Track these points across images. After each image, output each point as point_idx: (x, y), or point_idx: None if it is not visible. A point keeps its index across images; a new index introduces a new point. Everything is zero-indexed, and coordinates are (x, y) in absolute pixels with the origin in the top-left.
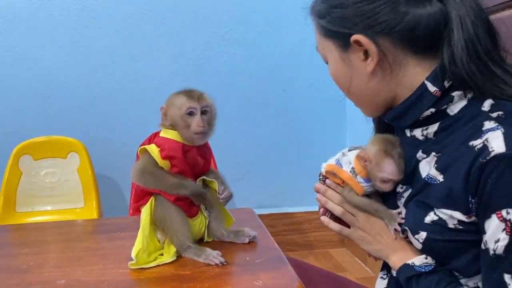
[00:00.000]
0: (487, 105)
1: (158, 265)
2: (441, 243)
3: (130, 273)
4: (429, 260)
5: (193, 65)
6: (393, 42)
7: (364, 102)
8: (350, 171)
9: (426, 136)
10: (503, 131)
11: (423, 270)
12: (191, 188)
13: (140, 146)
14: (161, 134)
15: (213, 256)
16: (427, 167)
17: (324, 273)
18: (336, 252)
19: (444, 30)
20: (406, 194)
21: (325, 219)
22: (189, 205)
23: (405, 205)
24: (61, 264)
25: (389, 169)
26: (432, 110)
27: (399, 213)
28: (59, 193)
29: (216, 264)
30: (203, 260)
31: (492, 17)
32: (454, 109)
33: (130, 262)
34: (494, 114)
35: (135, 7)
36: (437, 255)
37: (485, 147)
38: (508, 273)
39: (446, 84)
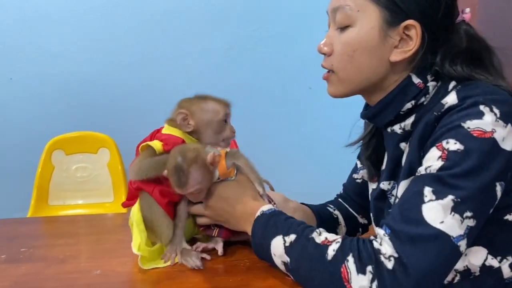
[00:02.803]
0: (451, 85)
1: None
2: None
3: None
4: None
5: (220, 63)
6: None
7: (350, 78)
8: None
9: (404, 129)
10: (456, 90)
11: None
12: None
13: (141, 142)
14: (164, 131)
15: (191, 258)
16: (405, 156)
17: None
18: None
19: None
20: (395, 192)
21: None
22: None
23: None
24: (95, 255)
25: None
26: (412, 102)
27: None
28: (89, 187)
29: (192, 267)
30: (181, 261)
31: None
32: (428, 98)
33: (139, 260)
34: (453, 88)
35: (163, 6)
36: None
37: (440, 105)
38: (429, 186)
39: (429, 78)
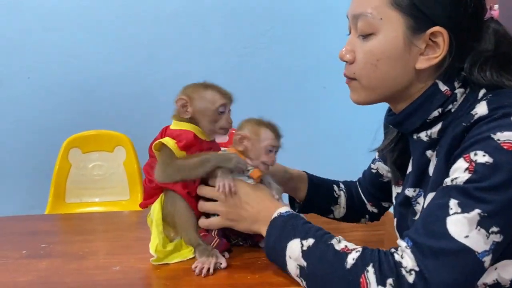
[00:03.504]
0: (481, 93)
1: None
2: None
3: (184, 262)
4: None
5: (235, 62)
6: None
7: (374, 86)
8: None
9: (430, 136)
10: (487, 100)
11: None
12: (213, 158)
13: (153, 141)
14: (173, 127)
15: (208, 262)
16: (432, 165)
17: None
18: None
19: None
20: (421, 200)
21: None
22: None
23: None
24: (114, 252)
25: (269, 135)
26: (439, 110)
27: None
28: (105, 185)
29: (200, 272)
30: (200, 260)
31: None
32: (455, 105)
33: (152, 259)
34: (484, 97)
35: (179, 6)
36: None
37: (470, 116)
38: (455, 199)
39: (456, 84)
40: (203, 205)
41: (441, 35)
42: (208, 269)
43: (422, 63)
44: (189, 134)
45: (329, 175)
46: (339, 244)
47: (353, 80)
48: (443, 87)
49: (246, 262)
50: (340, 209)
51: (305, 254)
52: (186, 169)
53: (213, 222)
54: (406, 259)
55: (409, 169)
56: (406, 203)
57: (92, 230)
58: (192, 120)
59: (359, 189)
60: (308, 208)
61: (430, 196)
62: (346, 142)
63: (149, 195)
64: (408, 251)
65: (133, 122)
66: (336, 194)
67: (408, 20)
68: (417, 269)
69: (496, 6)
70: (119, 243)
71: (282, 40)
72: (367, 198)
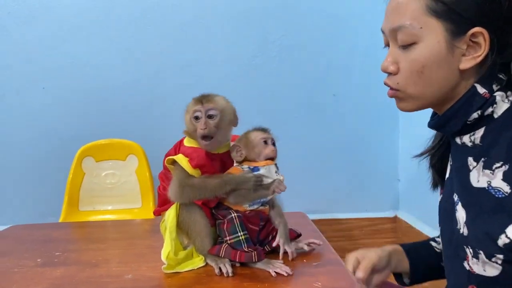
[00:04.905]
0: None
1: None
2: None
3: (195, 270)
4: None
5: (245, 71)
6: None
7: (422, 92)
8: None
9: (473, 142)
10: None
11: None
12: (232, 180)
13: (166, 155)
14: (186, 143)
15: (223, 264)
16: (476, 174)
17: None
18: None
19: None
20: (459, 208)
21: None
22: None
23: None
24: (127, 260)
25: (256, 133)
26: (479, 112)
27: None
28: (118, 193)
29: (221, 274)
30: (215, 267)
31: None
32: (498, 111)
33: (163, 266)
34: None
35: (190, 16)
36: None
37: None
38: None
39: (495, 87)
40: None
41: (481, 35)
42: (226, 270)
43: (466, 63)
44: (200, 152)
45: (339, 182)
46: None
47: (397, 90)
48: (481, 90)
49: (255, 271)
50: None
51: None
52: (205, 191)
53: None
54: None
55: (447, 174)
56: (446, 211)
57: (105, 238)
58: (190, 134)
59: None
60: (418, 276)
61: (473, 210)
62: (355, 149)
63: (163, 202)
64: None
65: (145, 131)
66: (438, 249)
67: (448, 25)
68: None
69: None
70: (132, 251)
71: (292, 48)
72: None
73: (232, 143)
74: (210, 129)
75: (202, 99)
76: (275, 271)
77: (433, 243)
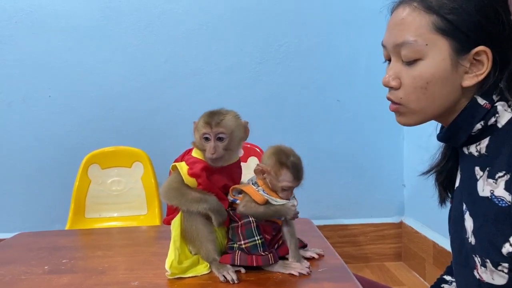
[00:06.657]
0: None
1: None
2: None
3: (200, 277)
4: None
5: (249, 78)
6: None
7: (424, 108)
8: (253, 185)
9: (480, 152)
10: None
11: None
12: (211, 203)
13: (175, 161)
14: (193, 153)
15: (226, 272)
16: (482, 184)
17: (381, 287)
18: (392, 265)
19: None
20: (467, 217)
21: None
22: None
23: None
24: (133, 267)
25: (288, 178)
26: (482, 123)
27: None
28: (124, 200)
29: (227, 281)
30: (218, 275)
31: None
32: (502, 120)
33: (167, 273)
34: None
35: (194, 24)
36: None
37: None
38: None
39: (495, 97)
40: None
41: (484, 53)
42: (231, 277)
43: (468, 81)
44: (201, 164)
45: (344, 188)
46: None
47: (399, 105)
48: (482, 101)
49: (261, 278)
50: None
51: None
52: (184, 199)
53: None
54: None
55: (457, 183)
56: (456, 220)
57: (111, 245)
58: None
59: None
60: None
61: (478, 219)
62: (360, 154)
63: (171, 210)
64: None
65: (150, 138)
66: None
67: (453, 43)
68: None
69: None
70: (138, 258)
71: (296, 55)
72: None
73: (259, 165)
74: (219, 153)
75: (211, 121)
76: (298, 272)
77: (445, 286)
